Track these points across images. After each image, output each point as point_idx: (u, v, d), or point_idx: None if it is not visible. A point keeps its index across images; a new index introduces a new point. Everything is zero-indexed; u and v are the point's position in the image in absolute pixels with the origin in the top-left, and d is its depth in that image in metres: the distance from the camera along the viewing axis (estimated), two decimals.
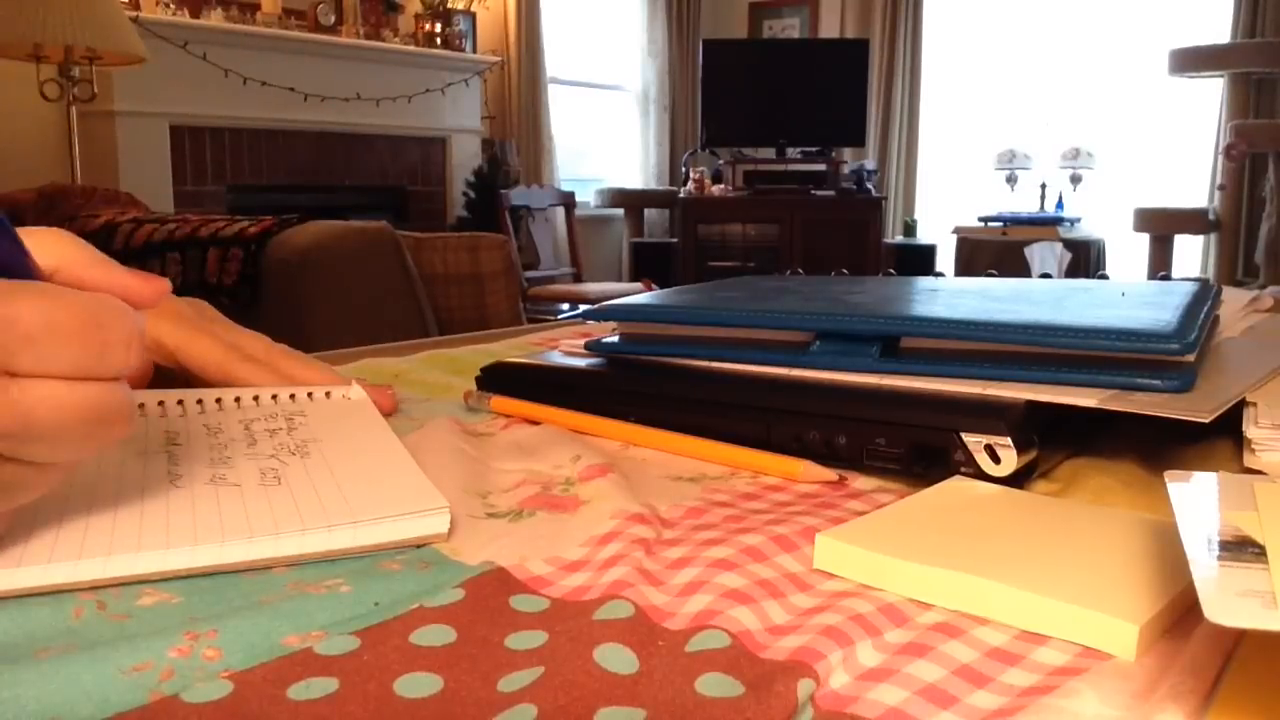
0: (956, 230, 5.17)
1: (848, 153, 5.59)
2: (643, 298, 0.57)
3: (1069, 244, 4.86)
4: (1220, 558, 0.24)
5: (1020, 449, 0.39)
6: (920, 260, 5.23)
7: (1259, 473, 0.40)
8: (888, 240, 5.40)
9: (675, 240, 5.32)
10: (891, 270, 4.72)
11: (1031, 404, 0.41)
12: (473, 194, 4.66)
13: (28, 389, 0.27)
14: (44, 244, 0.30)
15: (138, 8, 3.59)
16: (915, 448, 0.41)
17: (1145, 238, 4.73)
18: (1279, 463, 0.40)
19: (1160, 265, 4.63)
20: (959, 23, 5.70)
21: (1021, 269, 4.74)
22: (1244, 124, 4.52)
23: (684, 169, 5.46)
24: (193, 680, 0.25)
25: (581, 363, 0.55)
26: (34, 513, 0.32)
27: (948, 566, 0.30)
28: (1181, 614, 0.28)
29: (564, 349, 0.58)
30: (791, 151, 5.32)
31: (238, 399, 0.48)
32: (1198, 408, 0.38)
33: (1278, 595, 0.21)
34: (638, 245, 5.47)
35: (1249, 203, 4.55)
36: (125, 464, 0.38)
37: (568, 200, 4.86)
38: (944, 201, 5.74)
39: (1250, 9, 4.82)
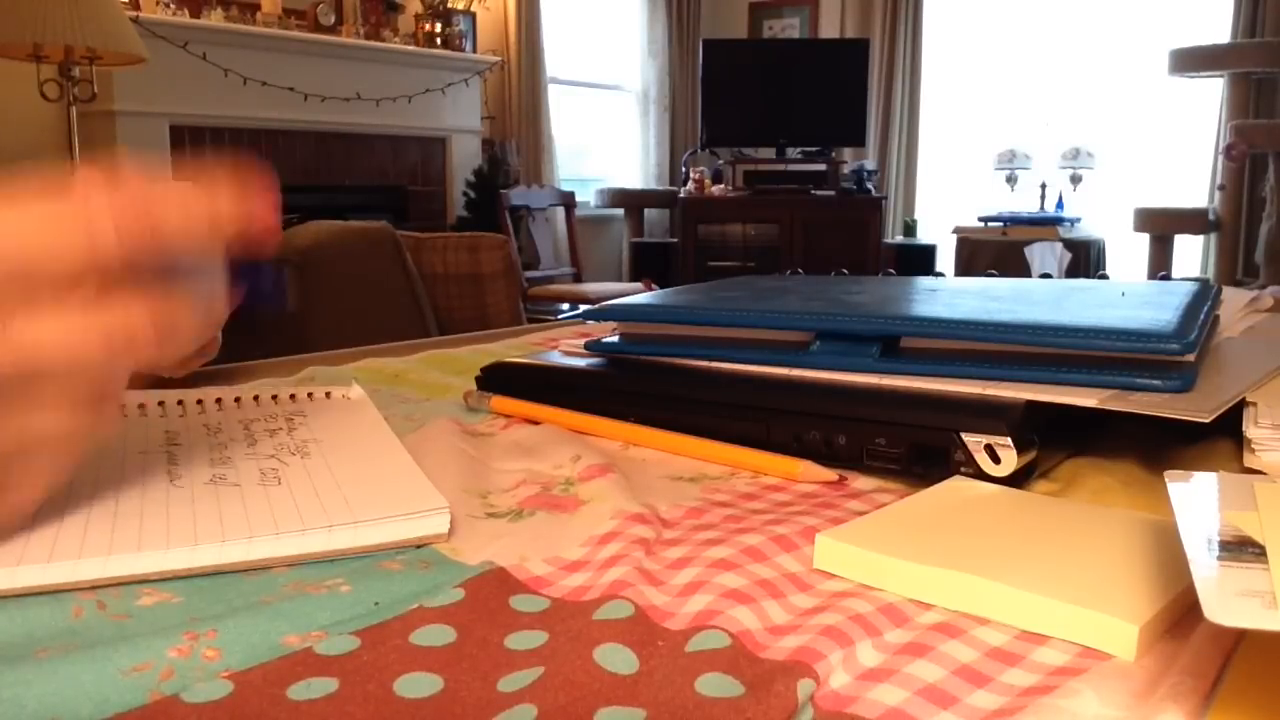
0: (956, 230, 5.17)
1: (848, 153, 5.59)
2: (643, 298, 0.57)
3: (1069, 244, 4.86)
4: (1220, 558, 0.24)
5: (1020, 449, 0.39)
6: (920, 260, 5.22)
7: (1259, 473, 0.40)
8: (888, 240, 5.40)
9: (675, 240, 5.32)
10: (891, 270, 4.71)
11: (1031, 404, 0.41)
12: (473, 194, 4.66)
13: (25, 329, 0.27)
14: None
15: (138, 8, 3.59)
16: (915, 448, 0.41)
17: (1145, 238, 4.73)
18: (1279, 463, 0.40)
19: (1160, 265, 4.63)
20: (959, 23, 5.70)
21: (1021, 269, 4.74)
22: (1244, 124, 4.52)
23: (684, 169, 5.45)
24: (192, 680, 0.25)
25: (581, 363, 0.55)
26: (35, 511, 0.32)
27: (948, 566, 0.30)
28: (1181, 614, 0.28)
29: (564, 349, 0.58)
30: (791, 151, 5.32)
31: (238, 399, 0.48)
32: (1198, 408, 0.38)
33: (1278, 595, 0.21)
34: (638, 245, 5.46)
35: (1249, 203, 4.55)
36: (125, 464, 0.38)
37: (568, 200, 4.86)
38: (944, 201, 5.73)
39: (1250, 9, 4.82)
